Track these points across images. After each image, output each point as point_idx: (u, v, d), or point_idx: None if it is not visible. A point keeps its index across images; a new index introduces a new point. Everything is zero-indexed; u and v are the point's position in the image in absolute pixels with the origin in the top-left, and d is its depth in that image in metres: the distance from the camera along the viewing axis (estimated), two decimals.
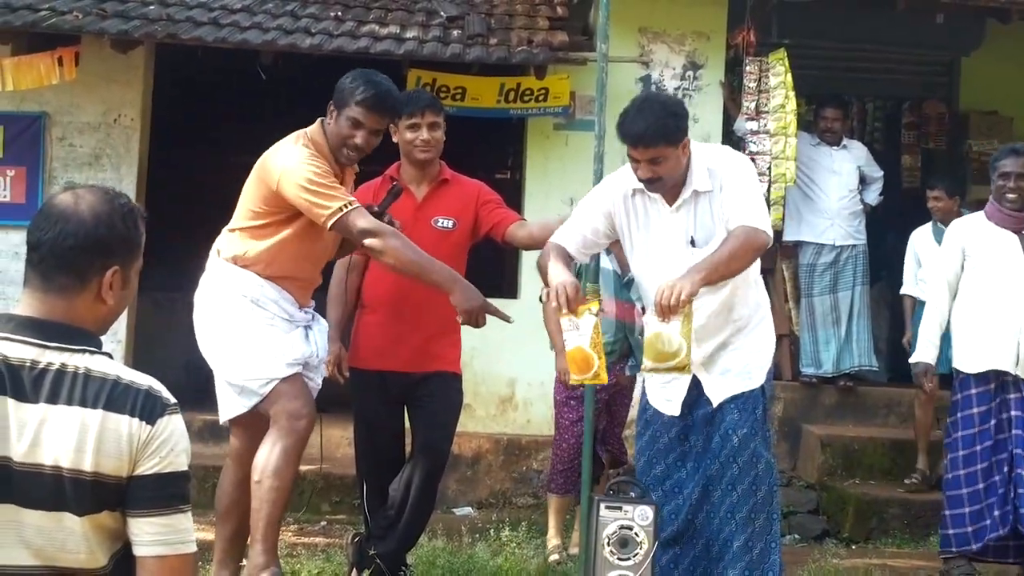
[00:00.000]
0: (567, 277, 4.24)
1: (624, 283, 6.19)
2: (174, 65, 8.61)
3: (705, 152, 4.39)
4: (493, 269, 8.64)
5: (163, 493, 2.23)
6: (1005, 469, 5.71)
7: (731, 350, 4.43)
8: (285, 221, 4.40)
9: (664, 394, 4.52)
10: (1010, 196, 5.80)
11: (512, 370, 7.99)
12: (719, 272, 4.11)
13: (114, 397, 2.21)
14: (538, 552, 5.56)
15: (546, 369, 7.88)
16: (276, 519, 4.38)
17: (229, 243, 4.50)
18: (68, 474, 2.16)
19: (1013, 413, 5.74)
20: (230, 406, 4.43)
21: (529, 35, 8.06)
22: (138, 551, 2.22)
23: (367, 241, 4.27)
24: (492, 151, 10.52)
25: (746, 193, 4.29)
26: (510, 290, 8.41)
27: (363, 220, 4.25)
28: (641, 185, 4.34)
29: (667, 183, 4.28)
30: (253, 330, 4.39)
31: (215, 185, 12.04)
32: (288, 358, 4.39)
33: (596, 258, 4.94)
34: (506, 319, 4.44)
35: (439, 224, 4.96)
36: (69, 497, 2.16)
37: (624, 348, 6.17)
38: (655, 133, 4.17)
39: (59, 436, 2.16)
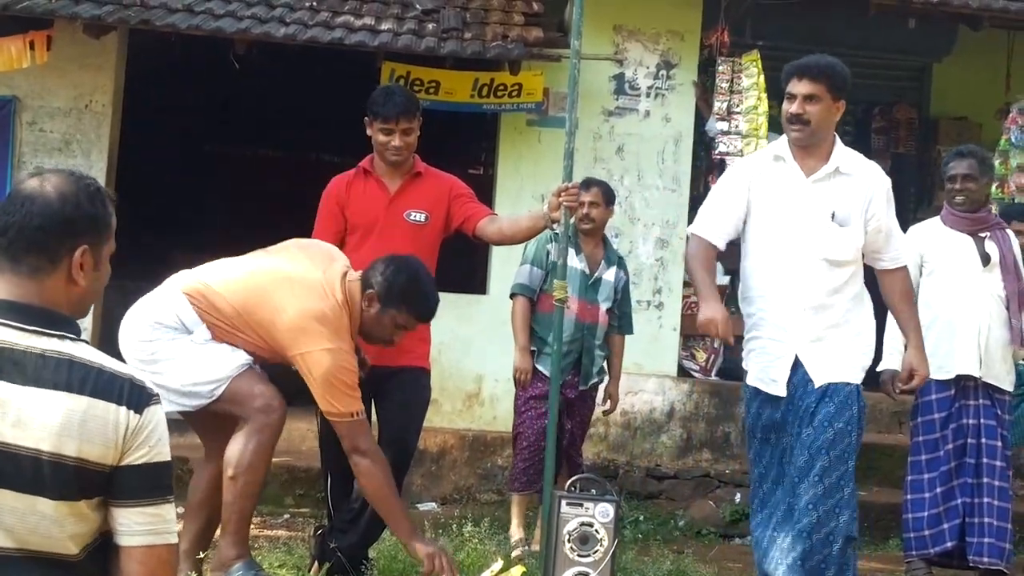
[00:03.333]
0: (720, 312, 4.41)
1: (591, 283, 6.20)
2: (147, 52, 8.56)
3: (853, 152, 4.66)
4: (462, 265, 8.63)
5: (151, 483, 2.24)
6: (965, 479, 5.76)
7: (838, 337, 4.51)
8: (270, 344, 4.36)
9: (770, 374, 4.57)
10: (958, 199, 5.89)
11: (479, 366, 8.00)
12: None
13: (100, 385, 2.20)
14: (501, 547, 5.56)
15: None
16: (248, 513, 4.37)
17: (204, 295, 4.35)
18: (48, 458, 2.14)
19: (970, 421, 5.78)
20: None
21: (504, 30, 8.06)
22: (125, 541, 2.23)
23: (355, 457, 4.29)
24: (465, 146, 10.53)
25: (895, 223, 4.68)
26: (480, 286, 8.41)
27: (363, 438, 4.29)
28: (782, 152, 4.55)
29: (812, 133, 4.48)
30: (194, 344, 4.32)
31: (185, 173, 12.07)
32: (237, 359, 4.32)
33: (564, 255, 4.93)
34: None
35: (412, 217, 4.95)
36: (47, 481, 2.15)
37: (578, 350, 6.18)
38: (820, 69, 4.47)
39: (41, 419, 2.14)
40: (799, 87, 4.48)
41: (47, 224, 2.25)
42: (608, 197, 6.28)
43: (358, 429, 4.30)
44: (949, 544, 5.73)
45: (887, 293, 4.73)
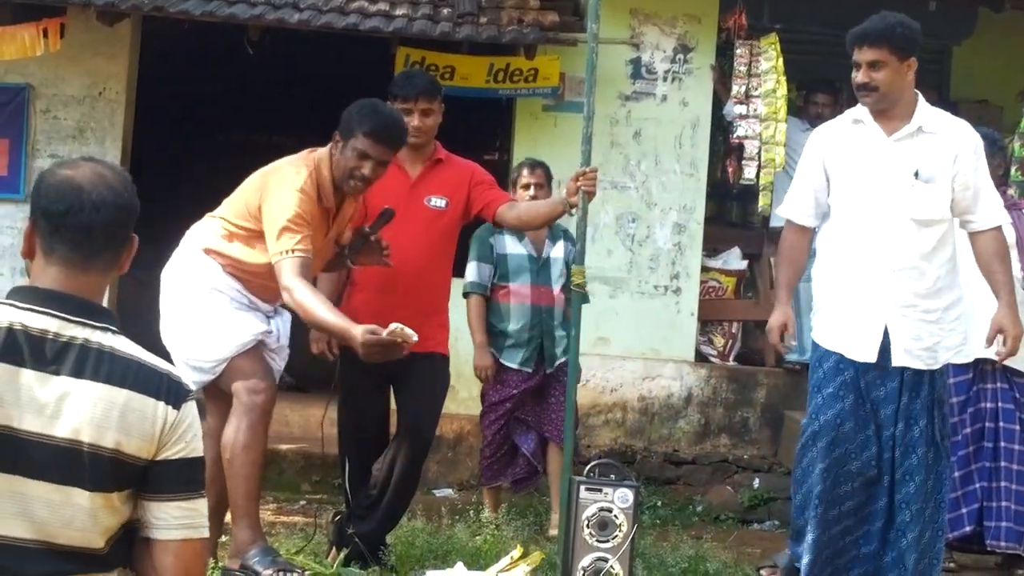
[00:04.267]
0: (783, 320, 4.53)
1: (542, 265, 6.20)
2: (161, 39, 8.54)
3: (939, 110, 4.59)
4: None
5: (187, 477, 2.28)
6: (983, 463, 5.72)
7: (928, 310, 4.47)
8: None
9: (857, 339, 4.49)
10: None
11: None
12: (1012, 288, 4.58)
13: (141, 379, 2.22)
14: (518, 533, 5.54)
15: None
16: (254, 493, 4.40)
17: (210, 234, 4.54)
18: (88, 449, 2.15)
19: (988, 404, 5.74)
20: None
21: (519, 15, 8.01)
22: (161, 534, 2.25)
23: (283, 293, 4.28)
24: (480, 131, 10.48)
25: (985, 181, 4.54)
26: None
27: (287, 275, 4.21)
28: (861, 116, 4.50)
29: (882, 98, 4.42)
30: (208, 312, 4.44)
31: (199, 161, 12.05)
32: (241, 339, 4.42)
33: (583, 239, 4.88)
34: (408, 339, 4.28)
35: (432, 204, 4.95)
36: (86, 472, 2.16)
37: (539, 336, 6.20)
38: (879, 34, 4.40)
39: (82, 411, 2.15)
40: (862, 55, 4.43)
41: (116, 216, 2.27)
42: (549, 177, 6.35)
43: (286, 266, 4.22)
44: (967, 528, 5.70)
45: (980, 255, 4.61)
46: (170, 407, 2.24)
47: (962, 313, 4.62)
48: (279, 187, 4.35)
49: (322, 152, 4.54)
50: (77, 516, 2.16)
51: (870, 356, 4.46)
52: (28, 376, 2.14)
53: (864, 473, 4.50)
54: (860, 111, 4.57)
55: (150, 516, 2.25)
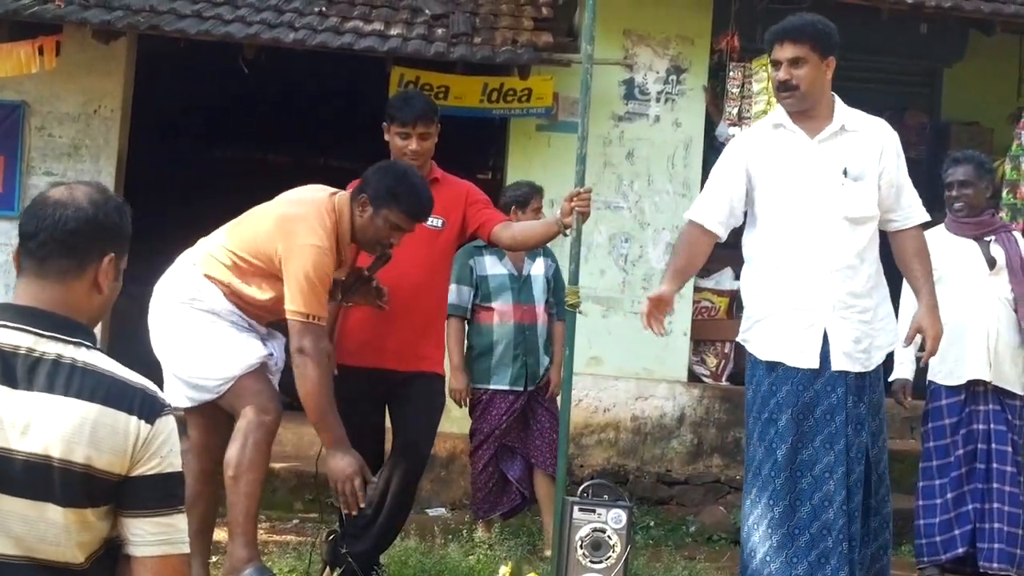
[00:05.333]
0: (669, 293, 4.47)
1: (523, 283, 6.23)
2: (156, 57, 8.56)
3: (855, 110, 4.53)
4: None
5: (165, 493, 2.25)
6: (976, 484, 5.74)
7: (863, 310, 4.39)
8: (279, 280, 4.42)
9: (797, 345, 4.39)
10: (956, 205, 5.91)
11: None
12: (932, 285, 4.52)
13: (113, 393, 2.21)
14: (510, 553, 5.55)
15: None
16: (254, 512, 4.42)
17: (212, 261, 4.51)
18: (58, 464, 2.14)
19: (980, 426, 5.76)
20: (175, 399, 4.41)
21: (514, 35, 8.05)
22: (138, 551, 2.23)
23: (295, 356, 4.33)
24: (474, 151, 10.51)
25: (906, 178, 4.51)
26: None
27: (308, 339, 4.31)
28: (781, 119, 4.43)
29: (803, 97, 4.36)
30: (213, 333, 4.45)
31: (194, 179, 12.07)
32: (248, 360, 4.43)
33: (576, 260, 4.89)
34: (369, 481, 4.48)
35: (429, 223, 4.96)
36: (56, 488, 2.15)
37: (523, 354, 6.25)
38: (799, 30, 4.34)
39: (52, 426, 2.15)
40: (783, 52, 4.35)
41: (80, 228, 2.27)
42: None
43: (307, 332, 4.31)
44: (960, 550, 5.71)
45: (900, 254, 4.54)
46: (143, 421, 2.21)
47: (890, 311, 4.54)
48: (304, 245, 4.33)
49: (341, 202, 4.52)
50: (50, 531, 2.16)
51: (812, 362, 4.34)
52: (1, 393, 2.15)
53: (820, 488, 4.30)
54: (779, 115, 4.49)
55: (127, 532, 2.23)
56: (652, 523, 7.28)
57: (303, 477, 7.25)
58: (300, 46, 7.70)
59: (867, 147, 4.41)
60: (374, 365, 4.90)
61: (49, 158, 8.14)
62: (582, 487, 4.62)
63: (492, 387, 6.23)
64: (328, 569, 4.91)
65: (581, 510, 4.39)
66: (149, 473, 2.23)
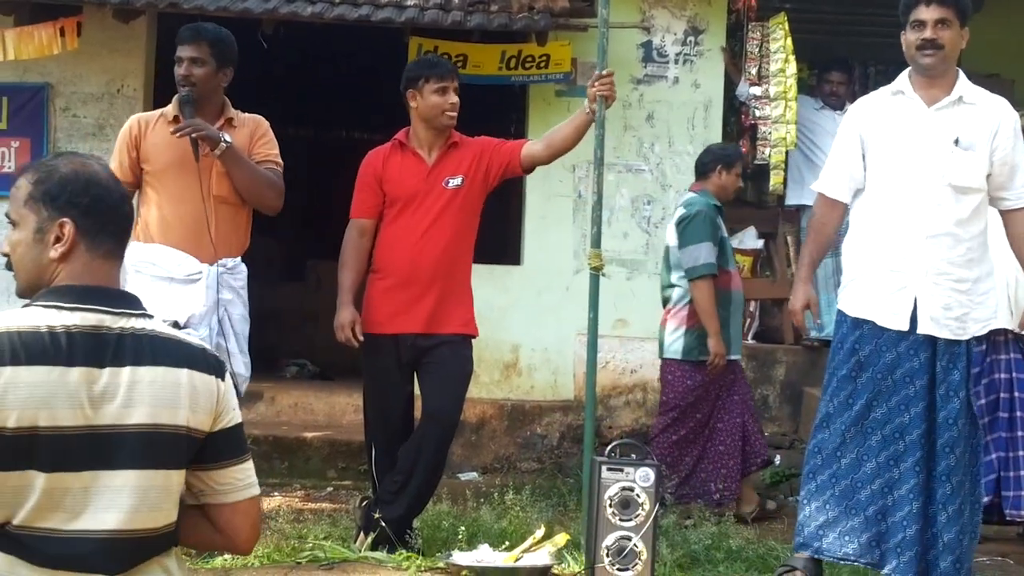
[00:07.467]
0: (804, 300, 4.61)
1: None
2: (176, 34, 8.59)
3: (977, 86, 4.61)
4: (496, 236, 8.66)
5: (241, 440, 2.41)
6: (999, 433, 5.75)
7: (959, 279, 4.44)
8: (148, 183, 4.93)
9: (888, 306, 4.47)
10: None
11: (515, 336, 8.04)
12: None
13: (191, 356, 2.31)
14: (542, 515, 5.62)
15: (550, 335, 7.95)
16: None
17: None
18: (168, 430, 2.24)
19: (1002, 375, 5.77)
20: None
21: (530, 2, 8.03)
22: (230, 498, 2.37)
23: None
24: (494, 118, 10.51)
25: (1023, 159, 4.52)
26: (514, 257, 8.44)
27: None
28: (902, 87, 4.53)
29: (944, 58, 4.46)
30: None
31: None
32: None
33: (600, 182, 4.94)
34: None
35: (449, 184, 5.01)
36: (168, 453, 2.25)
37: None
38: None
39: (153, 395, 2.23)
40: (929, 12, 4.46)
41: (129, 212, 2.37)
42: None
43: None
44: (986, 500, 5.73)
45: (1013, 235, 4.60)
46: (219, 379, 2.35)
47: (992, 288, 4.61)
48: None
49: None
50: (160, 497, 2.24)
51: (902, 324, 4.43)
52: (86, 375, 2.17)
53: (888, 447, 4.44)
54: (902, 82, 4.60)
55: (214, 484, 2.36)
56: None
57: (336, 445, 7.34)
58: (318, 19, 7.72)
59: (983, 121, 4.48)
60: (403, 331, 4.96)
61: (75, 138, 8.21)
62: (609, 447, 4.68)
63: (734, 357, 6.27)
64: (362, 535, 5.00)
65: (609, 469, 4.45)
66: (230, 425, 2.36)
